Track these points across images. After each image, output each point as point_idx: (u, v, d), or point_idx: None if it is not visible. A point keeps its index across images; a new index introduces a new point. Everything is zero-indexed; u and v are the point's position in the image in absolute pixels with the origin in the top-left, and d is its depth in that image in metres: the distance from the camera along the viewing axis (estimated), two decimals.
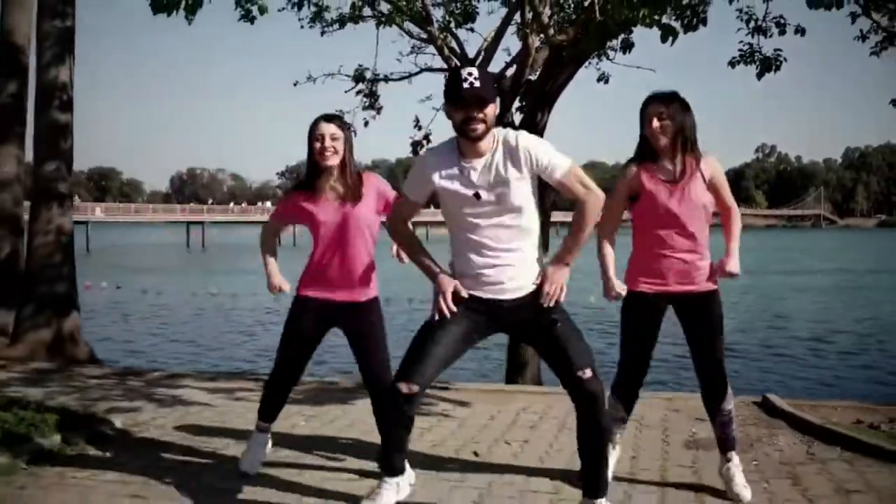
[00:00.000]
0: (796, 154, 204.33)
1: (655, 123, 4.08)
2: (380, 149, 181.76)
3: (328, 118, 4.24)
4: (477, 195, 3.57)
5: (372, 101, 9.87)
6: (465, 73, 3.48)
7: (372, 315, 4.31)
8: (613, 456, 4.32)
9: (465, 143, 3.57)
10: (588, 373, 3.55)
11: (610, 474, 3.95)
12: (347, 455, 4.92)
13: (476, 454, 4.98)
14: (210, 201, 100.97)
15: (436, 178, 3.62)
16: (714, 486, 4.34)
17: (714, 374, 4.23)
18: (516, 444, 5.21)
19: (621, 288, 4.18)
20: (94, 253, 54.00)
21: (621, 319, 4.30)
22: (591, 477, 3.73)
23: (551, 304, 3.59)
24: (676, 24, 7.17)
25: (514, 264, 3.63)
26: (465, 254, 3.68)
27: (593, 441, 3.66)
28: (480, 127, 3.48)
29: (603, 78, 9.89)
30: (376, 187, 4.28)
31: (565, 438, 5.29)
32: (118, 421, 5.53)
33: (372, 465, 4.56)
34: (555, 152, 3.60)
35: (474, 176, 3.56)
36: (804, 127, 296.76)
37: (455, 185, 3.59)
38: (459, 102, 3.47)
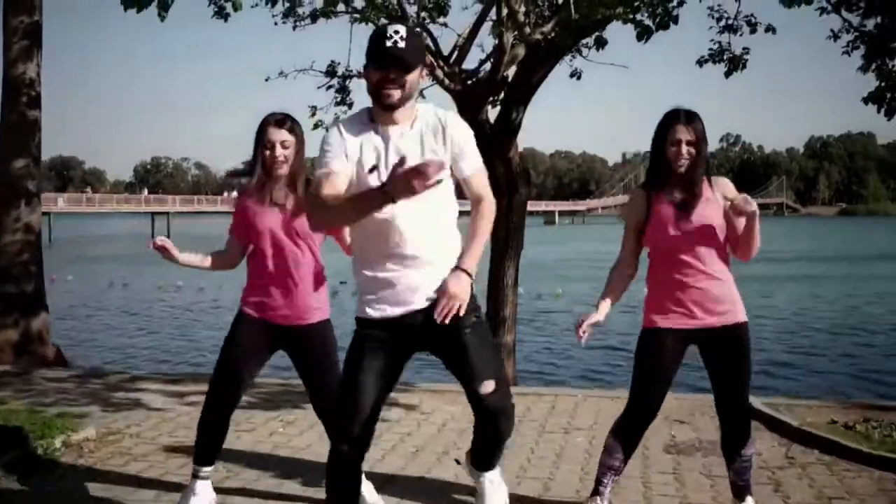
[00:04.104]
0: (759, 143, 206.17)
1: (684, 149, 3.64)
2: None
3: (279, 122, 3.87)
4: (373, 168, 3.04)
5: (343, 97, 9.77)
6: (391, 30, 2.96)
7: (321, 338, 3.96)
8: None
9: (378, 111, 3.08)
10: (490, 385, 3.17)
11: None
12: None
13: (458, 462, 4.79)
14: (158, 191, 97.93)
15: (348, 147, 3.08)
16: (699, 499, 4.35)
17: (738, 417, 3.84)
18: None
19: (589, 320, 3.71)
20: (57, 244, 52.96)
21: (635, 358, 3.87)
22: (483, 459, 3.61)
23: (445, 322, 3.05)
24: (649, 22, 7.26)
25: (425, 269, 3.11)
26: (369, 259, 3.16)
27: (487, 450, 3.54)
28: (396, 94, 2.97)
29: (575, 74, 9.92)
30: None
31: (545, 444, 5.33)
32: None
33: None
34: (475, 145, 3.20)
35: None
36: (768, 117, 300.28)
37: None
38: (378, 61, 2.96)
